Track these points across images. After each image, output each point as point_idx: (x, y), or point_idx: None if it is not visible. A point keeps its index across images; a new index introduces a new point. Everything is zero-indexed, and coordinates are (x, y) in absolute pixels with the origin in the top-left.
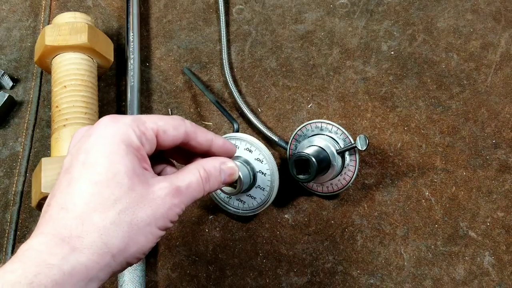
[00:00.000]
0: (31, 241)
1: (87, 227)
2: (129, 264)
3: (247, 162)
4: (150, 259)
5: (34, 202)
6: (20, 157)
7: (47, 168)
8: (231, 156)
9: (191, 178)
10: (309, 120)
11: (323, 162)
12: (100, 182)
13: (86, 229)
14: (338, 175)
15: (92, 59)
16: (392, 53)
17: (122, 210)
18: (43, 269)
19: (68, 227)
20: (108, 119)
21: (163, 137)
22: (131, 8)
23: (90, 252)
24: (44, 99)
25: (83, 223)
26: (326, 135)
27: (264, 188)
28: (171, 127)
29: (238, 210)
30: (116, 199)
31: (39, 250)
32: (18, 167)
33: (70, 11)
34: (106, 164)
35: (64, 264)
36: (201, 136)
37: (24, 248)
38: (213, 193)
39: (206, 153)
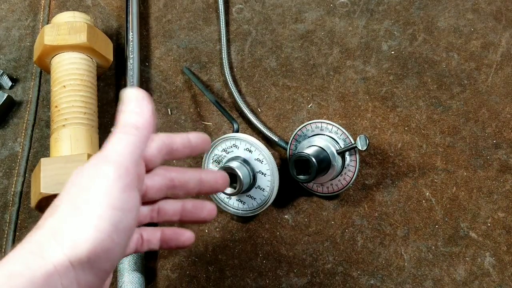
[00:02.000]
0: (9, 254)
1: (44, 231)
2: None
3: (247, 163)
4: (149, 260)
5: (33, 203)
6: (19, 158)
7: (46, 168)
8: (209, 142)
9: (111, 139)
10: (309, 120)
11: (323, 162)
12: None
13: (43, 234)
14: (338, 175)
15: (91, 58)
16: (393, 52)
17: (69, 208)
18: None
19: (33, 237)
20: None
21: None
22: (130, 8)
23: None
24: (43, 99)
25: (41, 230)
26: (326, 135)
27: (264, 189)
28: (140, 148)
29: (238, 211)
30: (61, 198)
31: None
32: (17, 168)
33: (69, 10)
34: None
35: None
36: (178, 137)
37: (4, 260)
38: (213, 193)
39: (191, 152)
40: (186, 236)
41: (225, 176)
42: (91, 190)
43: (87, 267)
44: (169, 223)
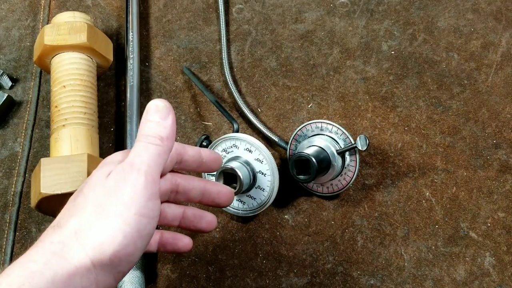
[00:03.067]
0: (28, 252)
1: (66, 232)
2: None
3: (247, 163)
4: (149, 260)
5: (33, 203)
6: (19, 158)
7: (46, 168)
8: (220, 163)
9: (136, 147)
10: (309, 120)
11: (323, 162)
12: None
13: (66, 235)
14: (338, 175)
15: (91, 58)
16: (393, 52)
17: (93, 209)
18: None
19: (55, 238)
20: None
21: (167, 168)
22: (130, 8)
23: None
24: (43, 99)
25: (62, 230)
26: (326, 135)
27: (264, 189)
28: (162, 162)
29: (238, 211)
30: (87, 201)
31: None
32: (17, 168)
33: (69, 10)
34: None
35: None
36: (190, 149)
37: (23, 258)
38: None
39: (199, 167)
40: (184, 242)
41: (229, 192)
42: (120, 195)
43: (108, 270)
44: (169, 227)
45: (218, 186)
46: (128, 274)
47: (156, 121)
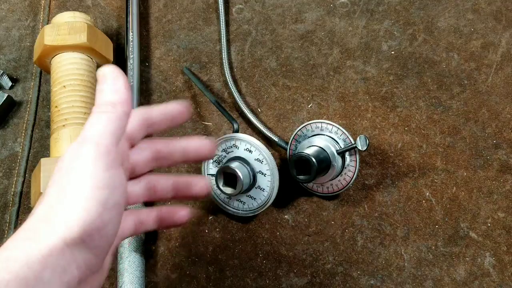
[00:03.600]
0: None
1: (35, 218)
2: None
3: (247, 163)
4: (149, 260)
5: (33, 203)
6: (19, 158)
7: (46, 168)
8: (185, 111)
9: (89, 120)
10: (309, 120)
11: (323, 162)
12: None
13: (37, 220)
14: (338, 175)
15: (91, 58)
16: (393, 53)
17: (56, 191)
18: None
19: (27, 224)
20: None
21: (131, 132)
22: (130, 8)
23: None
24: (43, 99)
25: (34, 217)
26: (326, 135)
27: (264, 189)
28: (122, 127)
29: (238, 211)
30: (51, 183)
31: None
32: (17, 168)
33: (70, 10)
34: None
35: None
36: (155, 109)
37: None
38: (213, 193)
39: (171, 123)
40: (182, 213)
41: (209, 143)
42: (74, 172)
43: (83, 247)
44: (165, 201)
45: (198, 140)
46: (128, 274)
47: (104, 88)
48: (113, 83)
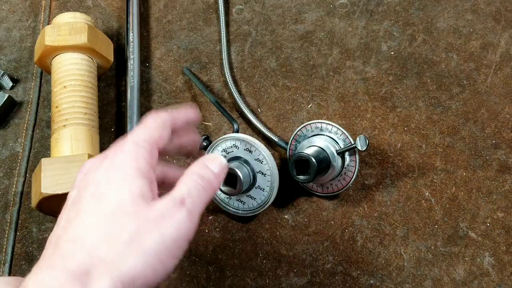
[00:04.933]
0: (42, 276)
1: (95, 260)
2: None
3: (247, 163)
4: None
5: (34, 203)
6: (20, 158)
7: (47, 168)
8: (197, 118)
9: (188, 183)
10: (309, 121)
11: (323, 162)
12: (107, 212)
13: (94, 263)
14: (338, 175)
15: (92, 59)
16: (392, 53)
17: (128, 239)
18: None
19: (76, 261)
20: (115, 149)
21: (162, 142)
22: (131, 8)
23: None
24: (44, 100)
25: (90, 257)
26: (326, 135)
27: (264, 189)
28: (162, 129)
29: (238, 211)
30: (120, 227)
31: (51, 286)
32: (18, 168)
33: (70, 11)
34: (113, 192)
35: None
36: (179, 117)
37: (36, 284)
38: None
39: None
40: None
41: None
42: (162, 232)
43: None
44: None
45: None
46: None
47: (213, 171)
48: (221, 172)
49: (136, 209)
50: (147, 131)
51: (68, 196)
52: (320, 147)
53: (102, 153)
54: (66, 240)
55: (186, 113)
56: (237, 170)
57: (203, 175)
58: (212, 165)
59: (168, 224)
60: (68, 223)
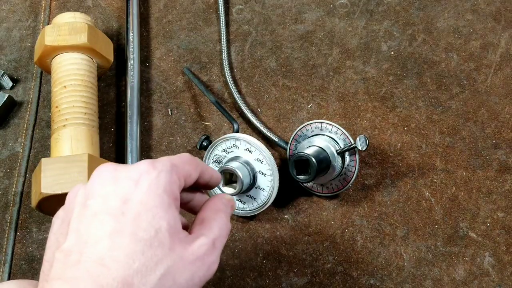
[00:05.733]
0: None
1: None
2: None
3: (247, 163)
4: None
5: (34, 203)
6: (20, 158)
7: (47, 168)
8: (218, 183)
9: (219, 224)
10: (309, 121)
11: (323, 162)
12: (144, 240)
13: None
14: (338, 175)
15: (92, 59)
16: (392, 53)
17: (163, 275)
18: None
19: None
20: (147, 165)
21: (188, 181)
22: (131, 8)
23: None
24: (44, 100)
25: (122, 284)
26: (326, 135)
27: (264, 189)
28: (193, 169)
29: (238, 211)
30: (157, 261)
31: None
32: (18, 168)
33: (70, 11)
34: (150, 218)
35: None
36: (207, 173)
37: None
38: (213, 193)
39: (203, 185)
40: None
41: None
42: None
43: None
44: None
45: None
46: None
47: (228, 209)
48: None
49: (173, 243)
50: (183, 161)
51: (77, 189)
52: (320, 147)
53: (114, 163)
54: (95, 261)
55: (214, 173)
56: (237, 170)
57: (228, 214)
58: (231, 207)
59: (201, 265)
60: (88, 236)
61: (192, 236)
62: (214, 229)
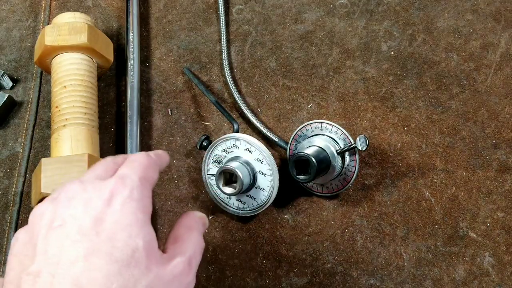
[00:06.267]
0: None
1: None
2: None
3: (247, 163)
4: None
5: (34, 203)
6: (20, 158)
7: (47, 168)
8: (168, 162)
9: (194, 243)
10: (309, 120)
11: (323, 162)
12: (121, 260)
13: None
14: (338, 175)
15: (92, 59)
16: (392, 53)
17: None
18: None
19: None
20: (116, 183)
21: (153, 186)
22: (131, 8)
23: None
24: (44, 100)
25: None
26: (326, 135)
27: (264, 189)
28: (154, 172)
29: (238, 211)
30: (135, 281)
31: None
32: (18, 168)
33: (70, 11)
34: (125, 238)
35: None
36: (162, 166)
37: None
38: (213, 193)
39: None
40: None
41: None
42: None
43: None
44: None
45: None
46: None
47: (200, 227)
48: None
49: (150, 263)
50: (145, 167)
51: (42, 210)
52: (320, 147)
53: (79, 178)
54: (65, 281)
55: (163, 158)
56: (237, 170)
57: (201, 232)
58: (203, 225)
59: (179, 285)
60: (60, 258)
61: (168, 256)
62: (189, 248)
